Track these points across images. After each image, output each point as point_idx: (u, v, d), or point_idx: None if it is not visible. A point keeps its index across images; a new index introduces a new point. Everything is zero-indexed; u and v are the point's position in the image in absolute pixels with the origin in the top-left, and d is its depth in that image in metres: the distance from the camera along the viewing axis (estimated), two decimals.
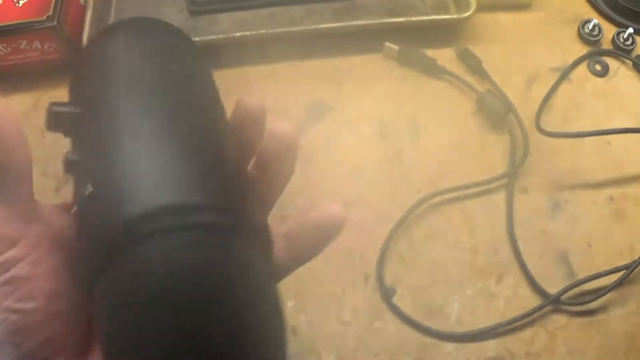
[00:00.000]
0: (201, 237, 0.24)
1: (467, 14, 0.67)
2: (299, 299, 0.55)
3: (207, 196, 0.25)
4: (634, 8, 0.73)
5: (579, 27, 0.72)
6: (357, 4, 0.69)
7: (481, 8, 0.68)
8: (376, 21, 0.67)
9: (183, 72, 0.30)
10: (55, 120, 0.29)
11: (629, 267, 0.57)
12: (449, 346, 0.54)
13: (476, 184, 0.61)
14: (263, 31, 0.65)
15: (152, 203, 0.24)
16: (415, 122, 0.65)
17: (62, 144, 0.30)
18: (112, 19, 0.69)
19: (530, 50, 0.70)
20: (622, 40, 0.71)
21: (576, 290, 0.57)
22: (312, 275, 0.56)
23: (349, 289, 0.56)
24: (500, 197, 0.61)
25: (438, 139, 0.64)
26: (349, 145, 0.63)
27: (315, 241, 0.33)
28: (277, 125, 0.33)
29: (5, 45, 0.63)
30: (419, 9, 0.70)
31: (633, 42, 0.71)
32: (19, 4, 0.63)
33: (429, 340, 0.54)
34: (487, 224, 0.59)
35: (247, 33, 0.65)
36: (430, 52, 0.68)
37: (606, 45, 0.72)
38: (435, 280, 0.57)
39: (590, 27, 0.71)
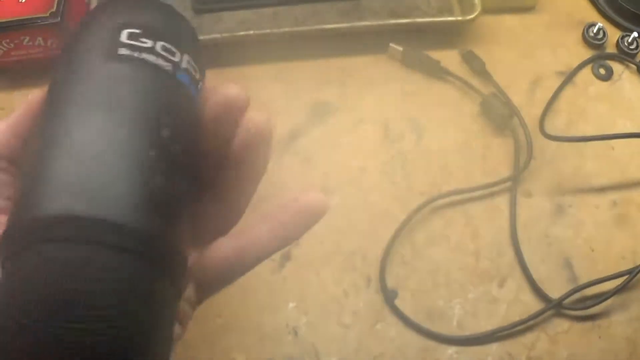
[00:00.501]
0: (89, 253, 0.24)
1: (471, 16, 0.67)
2: (300, 300, 0.55)
3: (117, 213, 0.25)
4: (638, 12, 0.73)
5: (583, 31, 0.72)
6: (361, 5, 0.69)
7: (486, 10, 0.68)
8: (381, 22, 0.67)
9: (150, 73, 0.30)
10: None
11: (632, 272, 0.56)
12: (451, 349, 0.54)
13: (479, 188, 0.60)
14: (267, 31, 0.65)
15: (52, 209, 0.25)
16: (419, 124, 0.64)
17: None
18: None
19: (534, 53, 0.70)
20: (626, 44, 0.71)
21: (578, 295, 0.56)
22: (314, 277, 0.56)
23: (351, 291, 0.56)
24: (503, 201, 0.61)
25: (441, 141, 0.64)
26: (352, 147, 0.63)
27: (296, 226, 0.33)
28: (251, 115, 0.32)
29: (7, 41, 0.62)
30: (424, 10, 0.69)
31: (637, 47, 0.71)
32: (22, 0, 0.63)
33: (430, 343, 0.54)
34: (490, 227, 0.59)
35: (252, 32, 0.65)
36: (435, 54, 0.68)
37: (610, 49, 0.72)
38: (438, 283, 0.57)
39: (594, 31, 0.71)
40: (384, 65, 0.68)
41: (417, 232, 0.59)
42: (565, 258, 0.58)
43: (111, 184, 0.25)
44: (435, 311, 0.55)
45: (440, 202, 0.60)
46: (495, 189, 0.61)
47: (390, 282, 0.56)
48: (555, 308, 0.56)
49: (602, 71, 0.70)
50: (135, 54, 0.29)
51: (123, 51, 0.29)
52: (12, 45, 0.63)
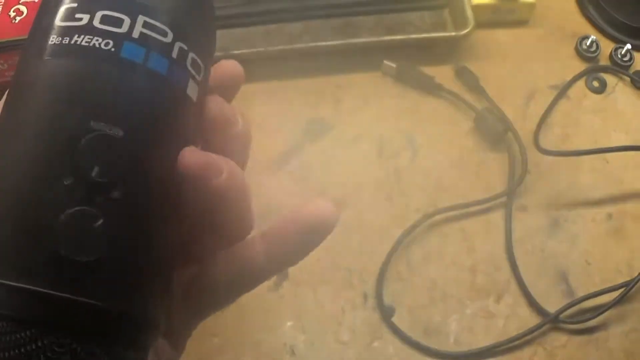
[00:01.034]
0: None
1: (465, 32, 0.67)
2: (297, 318, 0.55)
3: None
4: (631, 24, 0.73)
5: (576, 44, 0.72)
6: (355, 22, 0.69)
7: (479, 25, 0.68)
8: (374, 39, 0.67)
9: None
10: None
11: (628, 285, 0.57)
12: None
13: (475, 203, 0.61)
14: (262, 49, 0.65)
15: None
16: (414, 140, 0.65)
17: None
18: None
19: (528, 67, 0.70)
20: (619, 56, 0.71)
21: (575, 308, 0.57)
22: (311, 295, 0.56)
23: (348, 308, 0.56)
24: (499, 216, 0.61)
25: (436, 157, 0.64)
26: (348, 164, 0.63)
27: (300, 242, 0.29)
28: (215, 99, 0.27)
29: (2, 62, 0.62)
30: (417, 26, 0.70)
31: (631, 58, 0.71)
32: (15, 20, 0.63)
33: None
34: (486, 242, 0.59)
35: (246, 50, 0.65)
36: (428, 70, 0.68)
37: (604, 61, 0.72)
38: (434, 299, 0.57)
39: (588, 44, 0.72)
40: (378, 82, 0.68)
41: (413, 248, 0.59)
42: (562, 272, 0.58)
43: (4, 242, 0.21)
44: (432, 327, 0.55)
45: (436, 218, 0.60)
46: (490, 204, 0.61)
47: (387, 299, 0.56)
48: (552, 322, 0.56)
49: (595, 84, 0.70)
50: (65, 40, 0.23)
51: (52, 40, 0.23)
52: (5, 65, 0.63)
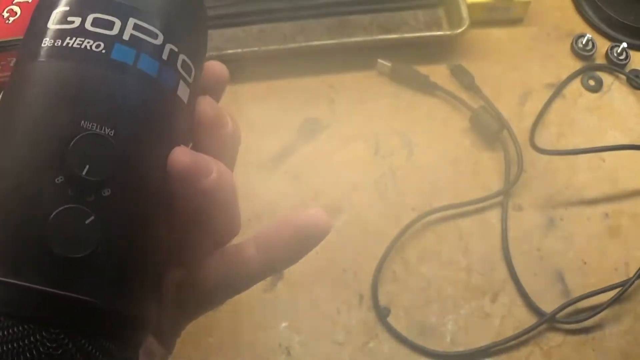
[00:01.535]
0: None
1: (460, 30, 0.67)
2: (292, 319, 0.55)
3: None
4: (627, 22, 0.73)
5: (572, 42, 0.72)
6: (350, 21, 0.69)
7: (474, 24, 0.68)
8: (369, 38, 0.67)
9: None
10: None
11: (625, 285, 0.56)
12: None
13: (470, 202, 0.60)
14: (255, 48, 0.65)
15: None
16: (409, 139, 0.64)
17: None
18: None
19: (523, 66, 0.70)
20: (615, 54, 0.71)
21: (571, 308, 0.56)
22: (306, 296, 0.56)
23: (343, 308, 0.56)
24: (494, 215, 0.61)
25: (432, 156, 0.64)
26: (343, 163, 0.63)
27: (293, 247, 0.29)
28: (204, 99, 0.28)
29: None
30: (412, 25, 0.69)
31: (627, 57, 0.71)
32: (8, 21, 0.62)
33: None
34: (482, 242, 0.59)
35: (240, 50, 0.65)
36: (423, 69, 0.67)
37: (600, 60, 0.72)
38: (430, 299, 0.56)
39: (583, 42, 0.71)
40: (373, 81, 0.68)
41: (409, 248, 0.59)
42: (558, 271, 0.58)
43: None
44: (428, 327, 0.55)
45: (432, 217, 0.60)
46: (486, 203, 0.61)
47: (383, 299, 0.56)
48: (549, 322, 0.56)
49: (591, 82, 0.70)
50: (57, 43, 0.24)
51: (45, 42, 0.24)
52: None
